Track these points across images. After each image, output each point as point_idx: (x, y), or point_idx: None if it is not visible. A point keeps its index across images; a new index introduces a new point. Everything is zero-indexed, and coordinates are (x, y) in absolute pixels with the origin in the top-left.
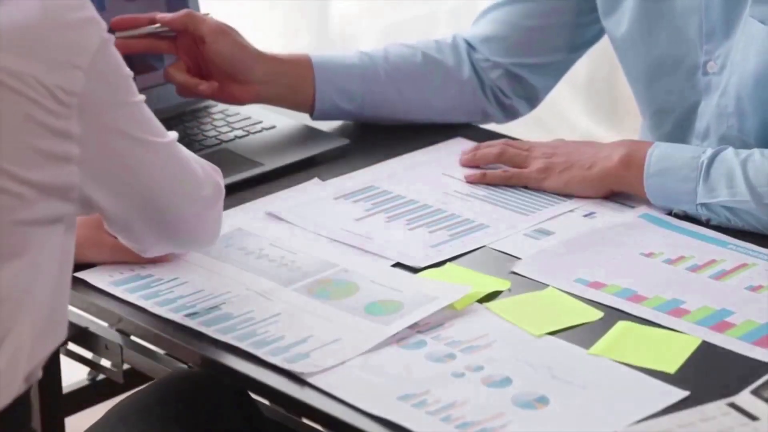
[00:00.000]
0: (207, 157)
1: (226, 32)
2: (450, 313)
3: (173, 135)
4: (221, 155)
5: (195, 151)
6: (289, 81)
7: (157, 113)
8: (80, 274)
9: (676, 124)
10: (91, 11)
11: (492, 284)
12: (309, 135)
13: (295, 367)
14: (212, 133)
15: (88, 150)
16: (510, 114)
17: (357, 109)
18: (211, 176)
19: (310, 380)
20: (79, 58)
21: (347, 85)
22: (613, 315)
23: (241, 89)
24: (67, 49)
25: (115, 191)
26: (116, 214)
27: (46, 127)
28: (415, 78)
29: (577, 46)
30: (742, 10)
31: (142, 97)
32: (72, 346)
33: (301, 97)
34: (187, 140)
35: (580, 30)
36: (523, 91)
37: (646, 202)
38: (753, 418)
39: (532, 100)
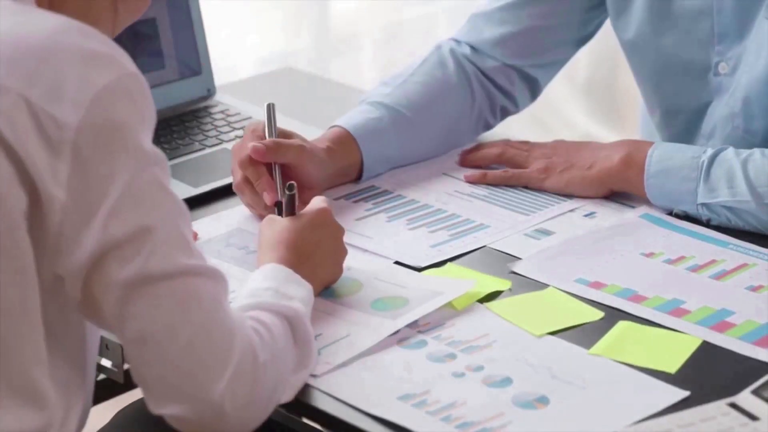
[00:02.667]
0: (208, 157)
1: (308, 163)
2: (450, 313)
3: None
4: (221, 155)
5: (195, 151)
6: (342, 168)
7: (157, 113)
8: None
9: (686, 124)
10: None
11: (492, 284)
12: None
13: None
14: (212, 133)
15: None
16: (504, 117)
17: (391, 165)
18: (248, 338)
19: (310, 380)
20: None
21: (387, 152)
22: (613, 315)
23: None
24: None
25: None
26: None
27: None
28: (439, 125)
29: (582, 40)
30: (756, 11)
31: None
32: None
33: (347, 176)
34: (187, 140)
35: (585, 25)
36: (528, 91)
37: (647, 202)
38: (753, 418)
39: (534, 96)
